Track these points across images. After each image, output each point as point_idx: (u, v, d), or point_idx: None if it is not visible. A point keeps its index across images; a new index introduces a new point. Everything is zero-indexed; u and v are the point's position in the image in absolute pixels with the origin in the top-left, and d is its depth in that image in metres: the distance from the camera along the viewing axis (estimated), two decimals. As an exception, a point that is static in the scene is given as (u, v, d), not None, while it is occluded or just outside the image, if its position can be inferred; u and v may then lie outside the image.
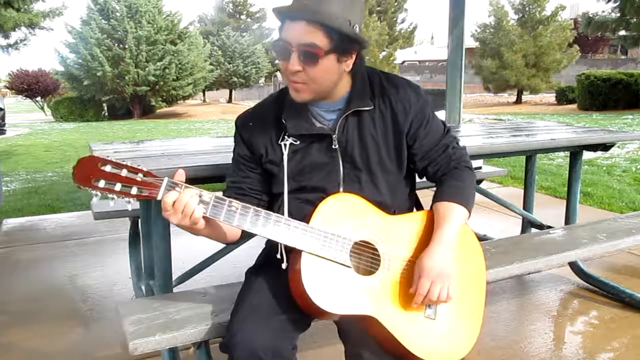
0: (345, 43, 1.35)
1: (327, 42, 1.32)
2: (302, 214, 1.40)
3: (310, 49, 1.32)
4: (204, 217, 1.30)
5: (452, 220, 1.45)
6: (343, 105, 1.48)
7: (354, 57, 1.42)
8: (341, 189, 1.47)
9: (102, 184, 1.23)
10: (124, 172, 1.24)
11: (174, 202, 1.26)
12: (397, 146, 1.51)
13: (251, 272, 1.58)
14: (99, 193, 1.24)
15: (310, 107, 1.49)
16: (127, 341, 1.48)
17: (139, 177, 1.25)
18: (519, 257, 2.17)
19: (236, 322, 1.40)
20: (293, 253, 1.39)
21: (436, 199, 1.52)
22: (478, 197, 3.58)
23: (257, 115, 1.55)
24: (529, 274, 3.18)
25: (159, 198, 1.26)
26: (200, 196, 1.28)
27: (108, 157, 1.25)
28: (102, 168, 1.23)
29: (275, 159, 1.49)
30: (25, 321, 2.71)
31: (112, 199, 1.25)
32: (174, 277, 2.13)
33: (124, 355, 2.30)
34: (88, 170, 1.23)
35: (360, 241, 1.40)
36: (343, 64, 1.40)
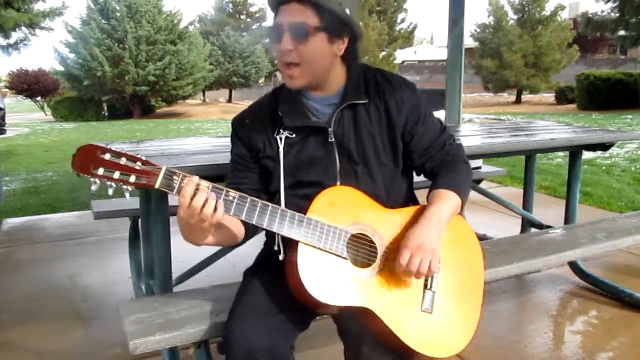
0: (335, 23, 1.38)
1: (317, 20, 1.36)
2: (300, 209, 1.39)
3: (301, 26, 1.36)
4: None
5: (443, 203, 1.46)
6: (338, 99, 1.49)
7: (346, 42, 1.44)
8: (338, 183, 1.47)
9: (101, 172, 1.24)
10: (123, 161, 1.25)
11: (191, 200, 1.24)
12: (391, 141, 1.52)
13: (250, 272, 1.58)
14: (98, 181, 1.24)
15: (305, 102, 1.50)
16: (127, 341, 1.48)
17: (138, 165, 1.26)
18: (519, 257, 2.17)
19: (234, 321, 1.40)
20: (290, 245, 1.39)
21: (431, 189, 1.54)
22: (478, 197, 3.61)
23: (253, 113, 1.56)
24: (529, 274, 3.18)
25: (157, 186, 1.26)
26: (198, 185, 1.28)
27: (108, 145, 1.26)
28: (102, 156, 1.24)
29: (272, 154, 1.50)
30: (25, 321, 2.71)
31: (111, 186, 1.25)
32: (174, 277, 2.13)
33: (124, 355, 2.30)
34: (88, 158, 1.24)
35: (358, 234, 1.41)
36: (335, 47, 1.42)
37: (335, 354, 1.55)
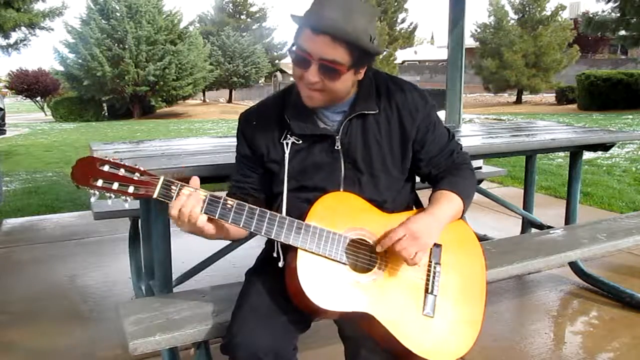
0: (364, 57, 1.36)
1: (348, 58, 1.33)
2: (301, 213, 1.40)
3: (332, 65, 1.32)
4: (210, 219, 1.32)
5: (444, 203, 1.46)
6: (348, 107, 1.48)
7: (367, 65, 1.43)
8: (341, 190, 1.47)
9: (100, 183, 1.27)
10: (122, 172, 1.28)
11: (179, 211, 1.29)
12: (402, 150, 1.51)
13: (251, 273, 1.58)
14: (97, 192, 1.27)
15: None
16: (127, 341, 1.48)
17: (136, 176, 1.28)
18: (519, 257, 2.16)
19: (237, 323, 1.40)
20: (290, 251, 1.39)
21: (434, 190, 1.54)
22: (478, 197, 3.60)
23: (260, 114, 1.55)
24: (529, 274, 3.18)
25: (154, 196, 1.28)
26: (190, 194, 1.30)
27: (106, 157, 1.28)
28: (101, 168, 1.27)
29: (276, 158, 1.49)
30: (25, 321, 2.71)
31: (110, 197, 1.29)
32: (174, 277, 2.13)
33: (124, 355, 2.30)
34: (87, 170, 1.27)
35: (357, 239, 1.40)
36: (358, 75, 1.42)
37: (335, 354, 1.56)
